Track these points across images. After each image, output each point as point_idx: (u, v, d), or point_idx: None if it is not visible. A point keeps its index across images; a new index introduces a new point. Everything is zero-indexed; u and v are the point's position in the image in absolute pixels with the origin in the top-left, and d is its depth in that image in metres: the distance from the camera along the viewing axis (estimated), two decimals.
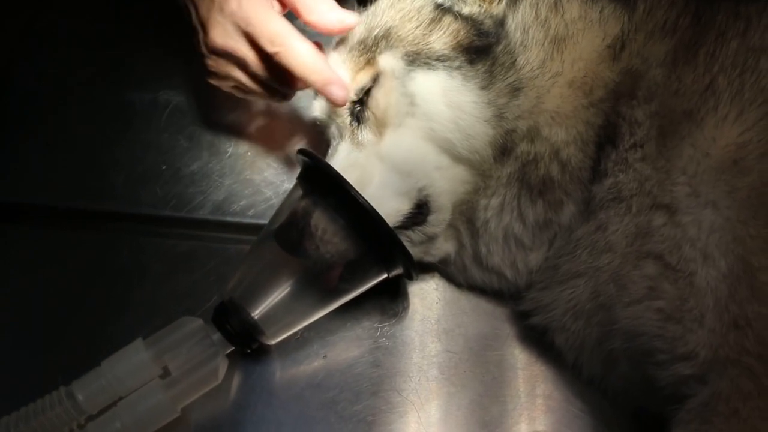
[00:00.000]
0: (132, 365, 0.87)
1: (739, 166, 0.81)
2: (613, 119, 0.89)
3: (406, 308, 1.03)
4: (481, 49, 0.92)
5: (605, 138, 0.89)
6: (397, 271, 0.90)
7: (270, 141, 1.19)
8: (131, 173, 1.16)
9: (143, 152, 1.18)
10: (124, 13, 1.38)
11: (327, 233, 0.86)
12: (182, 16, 1.06)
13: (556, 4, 0.95)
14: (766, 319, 0.76)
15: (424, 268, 1.03)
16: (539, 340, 0.97)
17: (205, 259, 1.08)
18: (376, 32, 0.95)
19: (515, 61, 0.91)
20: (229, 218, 1.12)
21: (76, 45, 1.33)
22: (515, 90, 0.91)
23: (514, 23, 0.94)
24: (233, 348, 0.92)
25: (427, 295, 1.04)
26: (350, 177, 0.86)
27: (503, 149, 0.91)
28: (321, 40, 1.01)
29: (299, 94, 1.10)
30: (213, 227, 1.12)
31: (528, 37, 0.93)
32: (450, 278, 1.04)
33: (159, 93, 1.24)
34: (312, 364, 0.98)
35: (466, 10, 0.96)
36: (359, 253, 0.87)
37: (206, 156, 1.17)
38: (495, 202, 0.93)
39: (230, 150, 1.18)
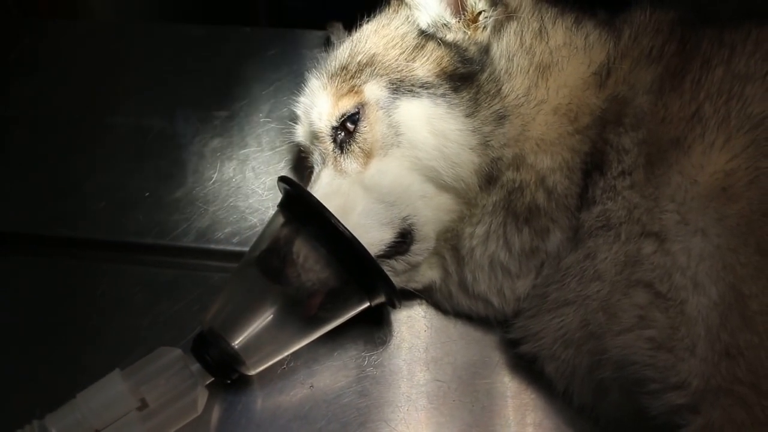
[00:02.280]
0: (108, 397, 0.85)
1: (728, 194, 0.80)
2: (600, 146, 0.89)
3: (393, 336, 1.01)
4: (465, 76, 0.92)
5: (592, 165, 0.89)
6: (380, 299, 0.89)
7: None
8: (113, 200, 1.14)
9: (125, 179, 1.16)
10: (106, 37, 1.37)
11: (309, 261, 0.85)
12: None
13: (540, 31, 0.95)
14: (758, 347, 0.75)
15: (412, 296, 1.02)
16: (529, 368, 0.96)
17: (188, 288, 1.06)
18: (359, 58, 0.94)
19: (500, 89, 0.91)
20: (213, 246, 1.10)
21: (56, 69, 1.32)
22: (501, 118, 0.91)
23: (498, 51, 0.94)
24: (213, 379, 0.89)
25: (415, 323, 1.02)
26: (332, 204, 0.86)
27: (489, 177, 0.91)
28: None
29: (285, 120, 1.10)
30: (197, 255, 1.11)
31: (513, 64, 0.93)
32: (436, 305, 1.03)
33: (142, 118, 1.23)
34: (297, 394, 0.96)
35: (449, 36, 0.96)
36: (341, 282, 0.86)
37: (190, 182, 1.16)
38: (480, 230, 0.93)
39: (215, 176, 1.16)
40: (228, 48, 1.31)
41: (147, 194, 1.15)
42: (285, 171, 1.16)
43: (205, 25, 1.34)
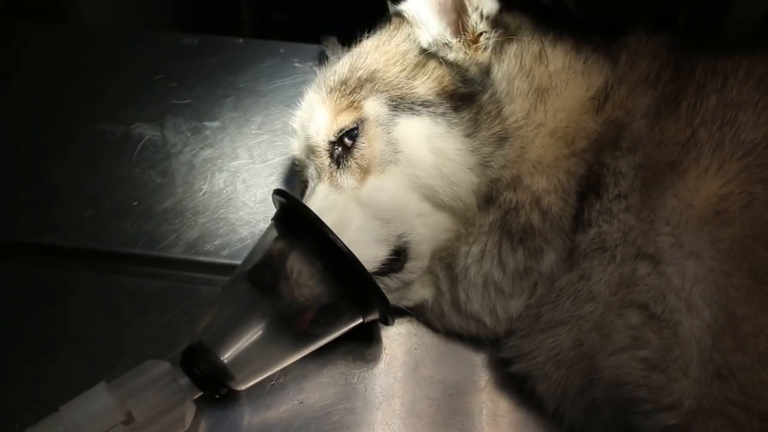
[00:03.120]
0: (93, 411, 0.83)
1: (722, 218, 0.82)
2: (596, 169, 0.90)
3: (384, 354, 1.01)
4: (466, 96, 0.93)
5: (588, 188, 0.90)
6: (373, 316, 0.89)
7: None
8: (100, 209, 1.12)
9: (114, 187, 1.15)
10: (96, 43, 1.36)
11: (302, 276, 0.84)
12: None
13: (540, 54, 0.96)
14: (750, 369, 0.76)
15: (403, 313, 1.01)
16: (520, 387, 0.96)
17: (176, 300, 1.04)
18: (359, 74, 0.95)
19: (501, 111, 0.92)
20: (202, 258, 1.09)
21: (45, 75, 1.30)
22: (501, 139, 0.91)
23: (499, 72, 0.95)
24: (202, 393, 0.88)
25: (406, 341, 1.02)
26: (328, 220, 0.85)
27: (487, 198, 0.91)
28: None
29: (277, 133, 1.10)
30: (185, 267, 1.09)
31: (513, 87, 0.94)
32: (428, 323, 1.02)
33: (131, 126, 1.21)
34: (287, 410, 0.95)
35: (451, 56, 0.96)
36: (335, 297, 0.86)
37: (180, 193, 1.14)
38: (476, 249, 0.93)
39: (204, 187, 1.15)
40: (220, 58, 1.30)
41: (135, 203, 1.13)
42: (277, 184, 1.15)
43: (198, 34, 1.33)
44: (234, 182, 1.16)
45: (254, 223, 1.11)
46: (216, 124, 1.21)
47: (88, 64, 1.32)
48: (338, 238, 0.81)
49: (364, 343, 1.01)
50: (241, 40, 1.32)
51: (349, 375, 0.98)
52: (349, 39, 1.08)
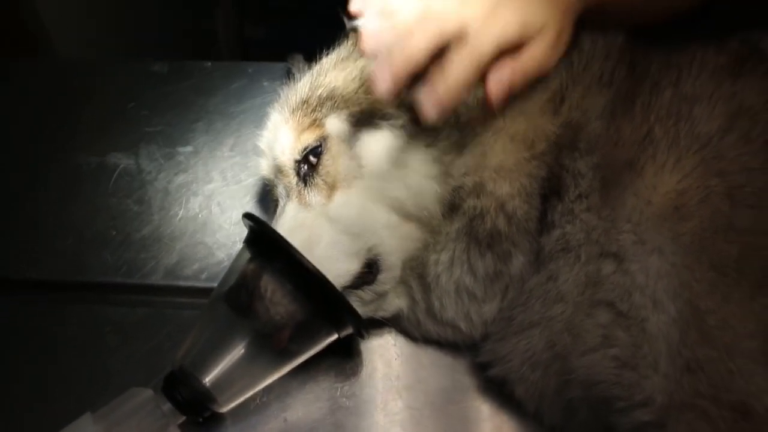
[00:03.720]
0: None
1: (681, 213, 0.83)
2: (556, 171, 0.91)
3: (365, 366, 1.02)
4: None
5: (550, 190, 0.90)
6: (348, 331, 0.90)
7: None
8: (79, 240, 1.14)
9: (91, 218, 1.16)
10: (68, 75, 1.37)
11: (276, 295, 0.85)
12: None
13: None
14: (717, 361, 0.77)
15: (381, 324, 1.02)
16: (500, 391, 0.96)
17: (159, 327, 1.06)
18: (319, 92, 0.96)
19: (459, 118, 0.93)
20: (182, 283, 1.10)
21: (20, 109, 1.32)
22: (461, 147, 0.92)
23: None
24: (185, 418, 0.89)
25: (386, 352, 1.03)
26: (298, 238, 0.87)
27: (451, 205, 0.92)
28: None
29: (249, 154, 1.11)
30: (166, 293, 1.10)
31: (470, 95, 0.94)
32: (406, 333, 1.03)
33: (106, 156, 1.23)
34: (272, 429, 0.96)
35: None
36: (308, 315, 0.87)
37: (156, 220, 1.16)
38: (445, 256, 0.94)
39: (180, 213, 1.16)
40: (190, 83, 1.31)
41: (114, 233, 1.14)
42: (251, 205, 1.16)
43: (167, 61, 1.35)
44: (209, 206, 1.17)
45: (231, 245, 1.13)
46: (189, 148, 1.23)
47: (62, 96, 1.33)
48: (305, 258, 0.82)
49: (344, 357, 1.02)
50: (210, 64, 1.33)
51: (332, 389, 1.00)
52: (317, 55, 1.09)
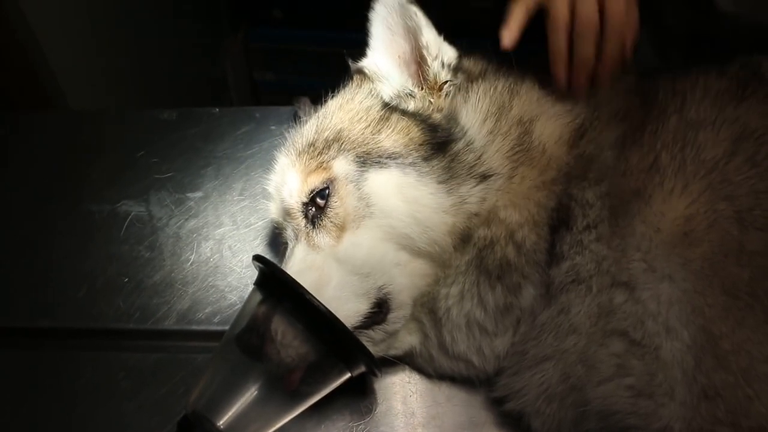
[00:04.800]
0: None
1: (690, 238, 0.83)
2: (565, 201, 0.91)
3: (379, 404, 1.01)
4: (437, 146, 0.94)
5: (559, 221, 0.91)
6: (360, 369, 0.90)
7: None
8: (92, 287, 1.15)
9: (104, 265, 1.17)
10: (79, 126, 1.40)
11: (287, 337, 0.85)
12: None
13: (511, 89, 0.99)
14: (735, 386, 0.77)
15: (394, 362, 1.02)
16: (516, 425, 0.95)
17: (172, 371, 1.06)
18: (326, 135, 0.97)
19: (481, 156, 0.93)
20: (195, 327, 1.10)
21: (33, 161, 1.34)
22: (483, 178, 0.93)
23: (470, 116, 0.96)
24: None
25: (400, 389, 1.02)
26: (307, 279, 0.87)
27: (463, 236, 0.92)
28: None
29: (258, 197, 1.12)
30: (179, 337, 1.10)
31: (490, 127, 0.95)
32: (419, 369, 1.03)
33: (118, 204, 1.24)
34: None
35: (411, 106, 0.99)
36: (320, 355, 0.87)
37: (168, 265, 1.17)
38: (455, 290, 0.94)
39: (192, 258, 1.17)
40: (199, 129, 1.34)
41: (126, 279, 1.15)
42: (261, 247, 1.17)
43: (176, 109, 1.37)
44: (220, 249, 1.18)
45: (243, 288, 1.13)
46: (198, 194, 1.24)
47: (73, 147, 1.36)
48: (315, 298, 0.82)
49: (359, 396, 1.01)
50: (217, 110, 1.36)
51: (347, 429, 0.99)
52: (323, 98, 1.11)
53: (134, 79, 1.71)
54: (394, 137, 0.95)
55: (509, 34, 0.96)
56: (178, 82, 1.58)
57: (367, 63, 1.03)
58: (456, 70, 1.00)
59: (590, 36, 0.94)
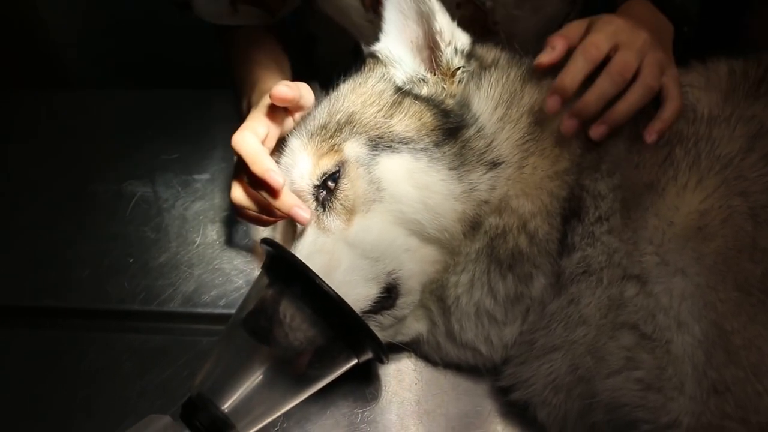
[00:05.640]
0: None
1: (704, 233, 0.83)
2: (577, 192, 0.91)
3: (384, 391, 1.01)
4: (449, 131, 0.93)
5: (571, 211, 0.90)
6: (367, 356, 0.89)
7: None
8: (97, 268, 1.14)
9: (109, 245, 1.17)
10: (85, 105, 1.39)
11: (295, 320, 0.84)
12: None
13: (525, 77, 0.98)
14: (745, 382, 0.77)
15: (400, 349, 1.02)
16: (521, 415, 0.96)
17: (177, 354, 1.05)
18: (338, 117, 0.96)
19: (492, 142, 0.93)
20: (200, 309, 1.10)
21: (36, 139, 1.33)
22: (493, 165, 0.92)
23: (482, 103, 0.96)
24: None
25: (405, 377, 1.02)
26: (317, 263, 0.87)
27: (473, 224, 0.92)
28: None
29: None
30: (184, 320, 1.10)
31: (501, 115, 0.95)
32: (425, 357, 1.03)
33: (123, 184, 1.24)
34: None
35: (424, 91, 0.98)
36: (328, 340, 0.86)
37: (174, 247, 1.16)
38: (465, 278, 0.93)
39: (198, 240, 1.17)
40: (208, 111, 1.33)
41: (131, 260, 1.15)
42: (268, 231, 1.16)
43: (185, 89, 1.36)
44: (226, 232, 1.18)
45: (249, 271, 1.13)
46: (205, 176, 1.24)
47: (79, 126, 1.36)
48: (324, 282, 0.82)
49: (364, 383, 1.01)
50: (229, 92, 1.34)
51: (351, 415, 0.99)
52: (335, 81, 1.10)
53: (142, 58, 1.69)
54: (406, 122, 0.94)
55: (548, 59, 0.94)
56: (189, 62, 1.57)
57: (380, 47, 1.02)
58: (469, 56, 0.99)
59: (619, 81, 0.90)
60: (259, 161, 0.92)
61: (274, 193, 0.92)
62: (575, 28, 0.96)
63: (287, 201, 0.92)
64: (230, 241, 1.17)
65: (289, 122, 1.01)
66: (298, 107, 0.99)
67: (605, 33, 0.92)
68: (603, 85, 0.90)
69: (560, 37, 0.95)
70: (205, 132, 1.29)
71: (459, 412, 0.99)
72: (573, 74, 0.90)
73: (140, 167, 1.26)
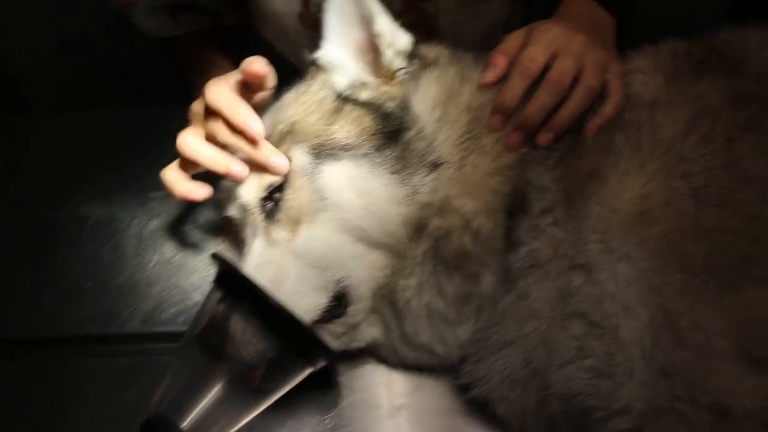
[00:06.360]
0: None
1: (647, 217, 0.83)
2: (521, 186, 0.91)
3: (346, 396, 1.01)
4: (390, 134, 0.93)
5: (515, 206, 0.90)
6: (321, 364, 0.89)
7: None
8: (55, 294, 1.13)
9: (67, 270, 1.16)
10: (40, 128, 1.39)
11: (246, 334, 0.84)
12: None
13: (462, 74, 0.98)
14: (692, 363, 0.77)
15: (359, 353, 1.02)
16: (483, 411, 0.95)
17: (138, 375, 1.04)
18: (280, 127, 0.95)
19: (432, 143, 0.92)
20: (160, 328, 1.09)
21: None
22: (434, 166, 0.92)
23: (421, 104, 0.95)
24: None
25: (366, 381, 1.01)
26: (265, 275, 0.87)
27: (417, 227, 0.91)
28: None
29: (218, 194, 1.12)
30: (144, 339, 1.09)
31: (439, 115, 0.95)
32: (384, 361, 1.02)
33: (80, 207, 1.23)
34: None
35: (363, 95, 0.97)
36: (280, 351, 0.86)
37: (131, 267, 1.15)
38: (413, 281, 0.93)
39: (155, 258, 1.16)
40: (160, 128, 1.31)
41: (89, 284, 1.14)
42: (224, 245, 1.16)
43: (136, 107, 1.36)
44: (183, 249, 1.17)
45: (206, 286, 1.10)
46: (161, 193, 1.22)
47: (33, 149, 1.34)
48: (270, 295, 0.82)
49: (324, 390, 1.01)
50: (178, 107, 1.34)
51: (314, 423, 0.98)
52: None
53: (94, 78, 1.69)
54: (347, 128, 0.93)
55: (492, 78, 0.96)
56: (142, 81, 1.57)
57: (321, 53, 1.01)
58: (411, 57, 0.99)
59: (558, 90, 0.92)
60: (237, 110, 0.92)
61: (253, 141, 0.92)
62: (514, 40, 0.98)
63: (266, 149, 0.92)
64: (187, 257, 1.16)
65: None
66: (263, 87, 0.99)
67: (541, 43, 0.94)
68: (542, 97, 0.92)
69: (500, 53, 0.97)
70: (159, 149, 1.27)
71: (421, 411, 0.99)
72: (512, 92, 0.93)
73: (96, 189, 1.25)
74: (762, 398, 0.74)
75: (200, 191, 0.98)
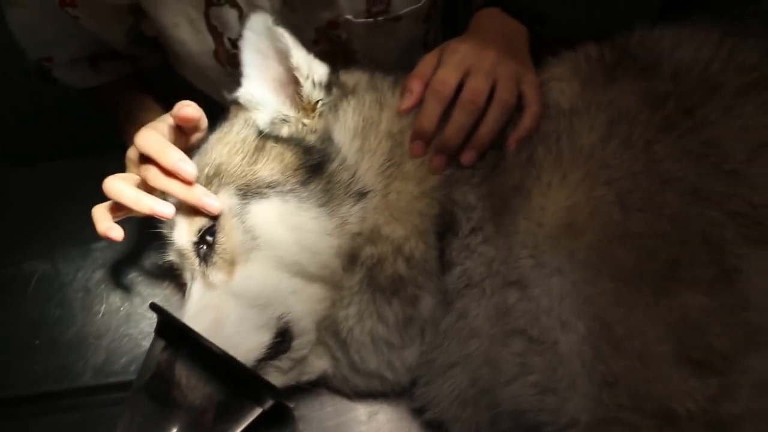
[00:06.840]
0: None
1: (574, 229, 0.83)
2: (448, 207, 0.91)
3: (304, 429, 1.00)
4: (314, 167, 0.93)
5: (444, 227, 0.91)
6: (269, 403, 0.89)
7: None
8: (2, 354, 1.11)
9: (13, 329, 1.14)
10: None
11: (191, 380, 0.84)
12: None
13: (379, 100, 0.98)
14: (633, 370, 0.77)
15: (312, 386, 1.01)
16: None
17: (94, 428, 1.03)
18: (206, 171, 0.95)
19: (355, 173, 0.93)
20: (112, 379, 1.08)
21: None
22: (360, 195, 0.92)
23: (340, 134, 0.95)
24: None
25: (320, 413, 1.01)
26: (205, 320, 0.87)
27: (350, 257, 0.91)
28: None
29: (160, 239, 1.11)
30: (97, 392, 1.08)
31: (360, 144, 0.95)
32: (337, 391, 1.02)
33: (22, 264, 1.21)
34: None
35: (284, 131, 0.97)
36: (225, 394, 0.86)
37: (80, 320, 1.14)
38: (353, 310, 0.93)
39: (103, 309, 1.15)
40: (100, 177, 1.29)
41: (38, 341, 1.12)
42: (170, 290, 1.15)
43: (72, 160, 1.35)
44: (130, 297, 1.16)
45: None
46: (103, 244, 1.21)
47: None
48: (207, 341, 0.82)
49: (278, 426, 1.00)
50: (116, 155, 1.32)
51: None
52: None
53: (25, 133, 1.67)
54: (270, 165, 0.93)
55: (409, 104, 0.97)
56: (75, 132, 1.55)
57: (241, 92, 1.01)
58: (329, 86, 0.99)
59: (472, 109, 0.93)
60: (168, 153, 0.91)
61: (187, 183, 0.91)
62: (428, 62, 0.98)
63: (198, 190, 0.91)
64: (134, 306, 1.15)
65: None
66: (198, 129, 0.99)
67: (451, 64, 0.95)
68: (459, 118, 0.93)
69: (415, 77, 0.97)
70: (96, 199, 1.27)
71: None
72: (428, 117, 0.93)
73: (38, 244, 1.23)
74: (706, 400, 0.74)
75: (115, 232, 0.96)
